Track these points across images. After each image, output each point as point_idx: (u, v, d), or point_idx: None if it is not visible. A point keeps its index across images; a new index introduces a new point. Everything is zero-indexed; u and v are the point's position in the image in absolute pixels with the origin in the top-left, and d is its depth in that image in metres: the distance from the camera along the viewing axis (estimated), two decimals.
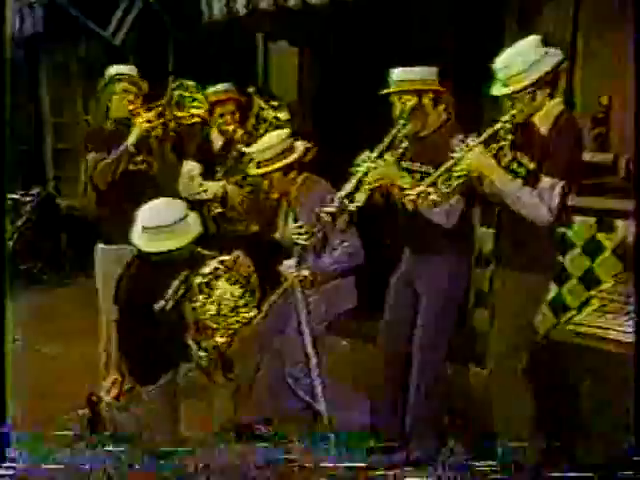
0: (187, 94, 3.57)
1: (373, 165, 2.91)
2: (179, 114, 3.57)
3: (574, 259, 3.85)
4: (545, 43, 2.72)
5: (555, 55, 2.71)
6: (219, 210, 3.91)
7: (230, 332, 3.04)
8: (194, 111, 3.57)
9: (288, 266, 3.31)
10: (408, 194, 2.75)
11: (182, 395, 3.25)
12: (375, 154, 2.94)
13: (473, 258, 3.49)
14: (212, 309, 3.00)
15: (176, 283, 3.07)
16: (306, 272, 3.22)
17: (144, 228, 2.99)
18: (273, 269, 3.42)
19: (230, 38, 5.11)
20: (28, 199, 6.84)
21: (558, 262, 3.46)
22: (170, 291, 3.06)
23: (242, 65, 5.10)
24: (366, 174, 2.92)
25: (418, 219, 2.95)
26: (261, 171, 3.29)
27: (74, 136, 7.25)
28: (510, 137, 2.68)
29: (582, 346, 3.03)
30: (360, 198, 2.92)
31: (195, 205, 3.74)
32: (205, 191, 3.89)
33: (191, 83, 3.61)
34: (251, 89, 3.92)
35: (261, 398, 3.45)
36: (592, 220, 3.82)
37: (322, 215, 2.97)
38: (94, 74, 6.46)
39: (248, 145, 3.64)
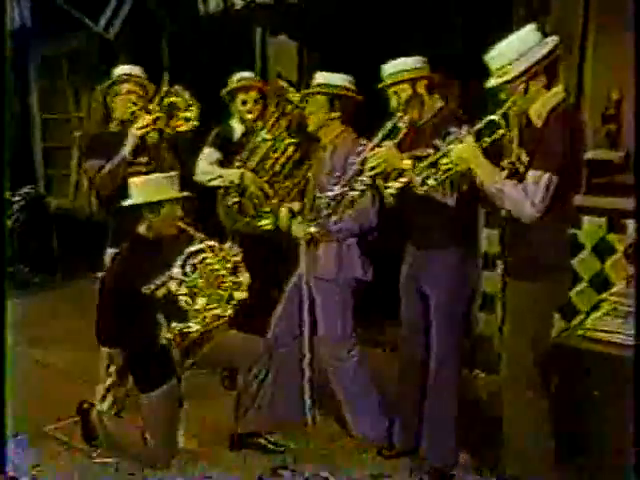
0: (179, 100, 3.58)
1: (372, 153, 2.91)
2: (172, 123, 3.59)
3: (584, 261, 3.76)
4: (544, 34, 2.60)
5: (546, 45, 2.56)
6: (236, 199, 3.82)
7: (204, 322, 2.98)
8: (188, 115, 3.58)
9: (298, 225, 3.39)
10: (390, 186, 2.76)
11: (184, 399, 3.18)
12: (374, 143, 2.96)
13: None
14: (186, 291, 2.96)
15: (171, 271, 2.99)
16: (313, 229, 3.29)
17: (133, 185, 3.09)
18: (281, 272, 3.48)
19: (227, 32, 5.02)
20: (17, 199, 6.75)
21: (572, 267, 3.37)
22: (162, 278, 2.99)
23: (239, 61, 5.00)
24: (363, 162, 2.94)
25: (422, 214, 2.93)
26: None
27: (64, 133, 7.16)
28: (503, 131, 2.57)
29: (592, 351, 2.95)
30: (362, 185, 2.94)
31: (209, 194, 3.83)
32: (221, 177, 3.83)
33: (180, 88, 3.62)
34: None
35: (268, 407, 3.39)
36: (602, 220, 3.73)
37: (322, 199, 3.04)
38: (85, 69, 6.42)
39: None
